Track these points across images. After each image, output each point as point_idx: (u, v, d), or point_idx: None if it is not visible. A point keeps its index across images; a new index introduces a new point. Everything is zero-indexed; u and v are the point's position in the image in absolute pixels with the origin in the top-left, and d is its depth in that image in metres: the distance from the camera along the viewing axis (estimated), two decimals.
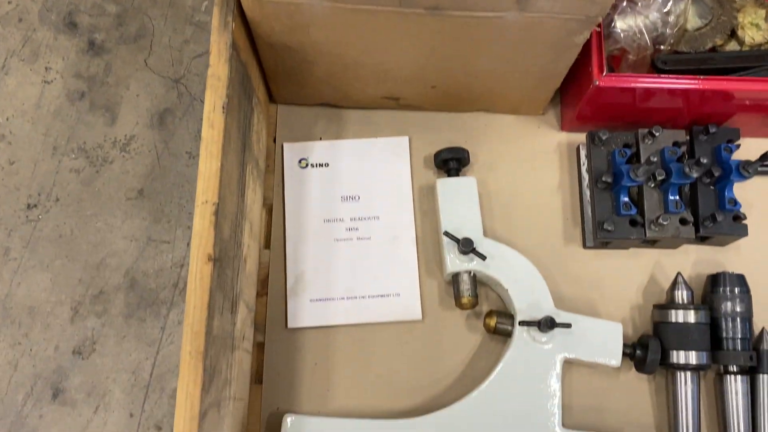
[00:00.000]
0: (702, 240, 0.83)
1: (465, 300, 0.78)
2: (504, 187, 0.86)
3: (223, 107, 0.64)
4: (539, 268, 0.81)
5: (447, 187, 0.81)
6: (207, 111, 0.63)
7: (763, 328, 0.79)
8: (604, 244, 0.83)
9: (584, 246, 0.84)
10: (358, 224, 0.83)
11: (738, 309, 0.77)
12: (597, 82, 0.75)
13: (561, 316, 0.75)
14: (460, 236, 0.76)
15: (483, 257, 0.76)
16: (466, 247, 0.75)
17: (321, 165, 0.85)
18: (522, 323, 0.75)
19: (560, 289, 0.82)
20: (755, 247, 0.84)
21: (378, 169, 0.85)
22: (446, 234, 0.76)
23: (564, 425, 0.76)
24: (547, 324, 0.73)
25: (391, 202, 0.84)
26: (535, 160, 0.87)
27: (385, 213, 0.84)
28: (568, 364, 0.79)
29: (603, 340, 0.76)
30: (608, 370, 0.80)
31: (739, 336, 0.77)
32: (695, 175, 0.76)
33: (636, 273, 0.83)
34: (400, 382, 0.79)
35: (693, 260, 0.84)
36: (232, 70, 0.65)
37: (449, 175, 0.83)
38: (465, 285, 0.78)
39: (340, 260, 0.82)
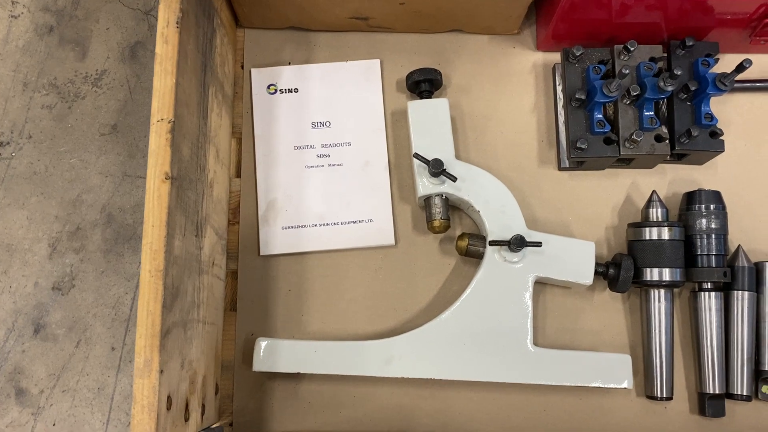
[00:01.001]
0: (679, 158, 0.81)
1: (437, 223, 0.77)
2: (478, 110, 0.84)
3: (177, 22, 0.62)
4: (513, 191, 0.80)
5: (418, 109, 0.79)
6: (161, 27, 0.62)
7: (738, 246, 0.79)
8: (579, 165, 0.81)
9: (559, 167, 0.82)
10: (330, 150, 0.82)
11: (713, 226, 0.76)
12: None
13: (533, 236, 0.75)
14: (431, 159, 0.74)
15: (453, 178, 0.75)
16: (436, 168, 0.74)
17: (290, 90, 0.83)
18: (492, 243, 0.74)
19: (534, 212, 0.82)
20: (732, 166, 0.83)
21: (349, 93, 0.83)
22: (416, 156, 0.75)
23: (536, 344, 0.76)
24: (516, 243, 0.72)
25: (363, 127, 0.83)
26: (510, 82, 0.85)
27: (357, 139, 0.82)
28: (541, 284, 0.79)
29: (575, 259, 0.75)
30: (582, 291, 0.80)
31: (714, 253, 0.76)
32: (670, 88, 0.74)
33: (612, 193, 0.82)
34: (373, 306, 0.79)
35: (670, 179, 0.82)
36: None
37: (421, 97, 0.81)
38: (437, 208, 0.77)
39: (311, 187, 0.81)
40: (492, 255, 0.75)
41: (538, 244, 0.73)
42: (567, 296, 0.80)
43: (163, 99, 0.60)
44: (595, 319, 0.79)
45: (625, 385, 0.73)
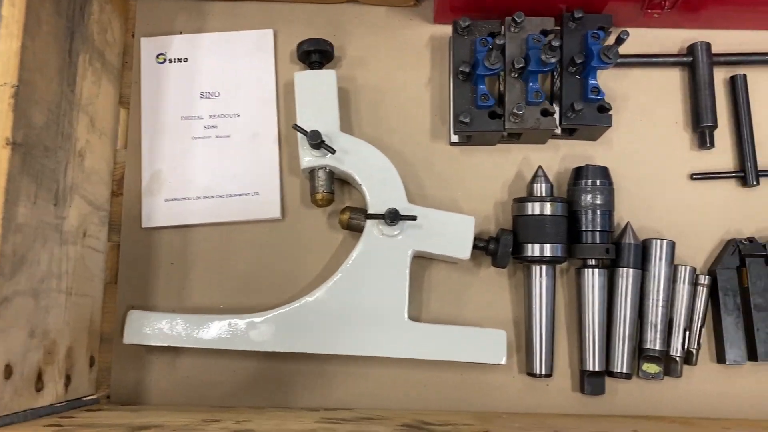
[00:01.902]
0: (571, 133, 0.80)
1: (319, 196, 0.76)
2: (373, 83, 0.83)
3: None
4: (405, 166, 0.79)
5: (305, 80, 0.78)
6: None
7: (627, 223, 0.77)
8: (469, 139, 0.80)
9: (450, 142, 0.81)
10: (217, 122, 0.81)
11: (598, 202, 0.75)
12: None
13: (413, 211, 0.74)
14: (310, 130, 0.73)
15: (332, 150, 0.74)
16: (314, 139, 0.72)
17: (179, 60, 0.82)
18: (368, 216, 0.73)
19: (425, 187, 0.80)
20: (627, 142, 0.81)
21: (240, 64, 0.82)
22: (295, 127, 0.74)
23: (419, 319, 0.75)
24: (391, 216, 0.71)
25: (253, 98, 0.81)
26: (406, 54, 0.83)
27: (246, 110, 0.81)
28: (428, 259, 0.78)
29: (454, 233, 0.74)
30: (469, 266, 0.79)
31: (599, 229, 0.75)
32: (553, 60, 0.72)
33: (503, 169, 0.81)
34: (259, 281, 0.78)
35: (563, 155, 0.81)
36: None
37: (312, 68, 0.79)
38: (320, 181, 0.76)
39: (197, 159, 0.80)
40: (371, 229, 0.74)
41: (413, 218, 0.72)
42: (453, 271, 0.79)
43: (8, 63, 0.59)
44: (480, 294, 0.78)
45: (499, 360, 0.72)
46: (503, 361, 0.72)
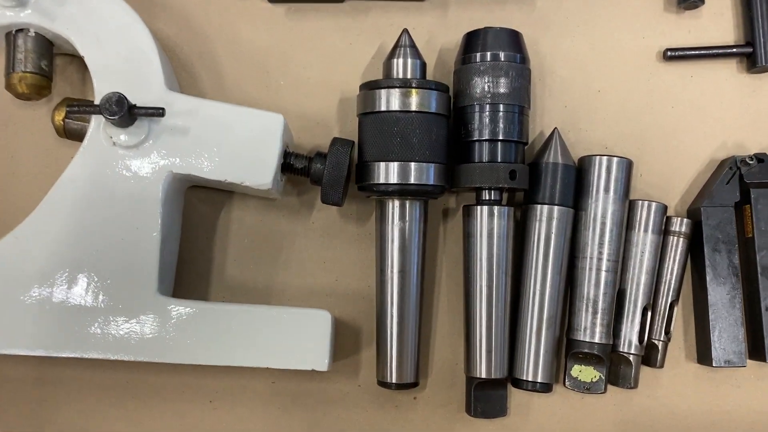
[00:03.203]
0: None
1: (16, 78, 0.44)
2: None
3: None
4: (193, 36, 0.51)
5: None
6: None
7: (555, 130, 0.46)
8: None
9: None
10: None
11: (502, 90, 0.43)
12: None
13: (173, 103, 0.42)
14: None
15: None
16: None
17: None
18: (72, 110, 0.41)
19: (226, 74, 0.50)
20: None
21: None
22: None
23: (173, 293, 0.45)
24: (115, 110, 0.39)
25: None
26: None
27: None
28: (225, 192, 0.47)
29: (248, 144, 0.42)
30: (291, 203, 0.48)
31: (500, 137, 0.43)
32: None
33: (358, 41, 0.50)
34: None
35: (454, 20, 0.49)
36: None
37: None
38: (20, 53, 0.45)
39: None
40: (96, 135, 0.42)
41: (159, 112, 0.40)
42: (268, 212, 0.48)
43: None
44: (311, 250, 0.48)
45: (319, 365, 0.41)
46: (325, 366, 0.41)
